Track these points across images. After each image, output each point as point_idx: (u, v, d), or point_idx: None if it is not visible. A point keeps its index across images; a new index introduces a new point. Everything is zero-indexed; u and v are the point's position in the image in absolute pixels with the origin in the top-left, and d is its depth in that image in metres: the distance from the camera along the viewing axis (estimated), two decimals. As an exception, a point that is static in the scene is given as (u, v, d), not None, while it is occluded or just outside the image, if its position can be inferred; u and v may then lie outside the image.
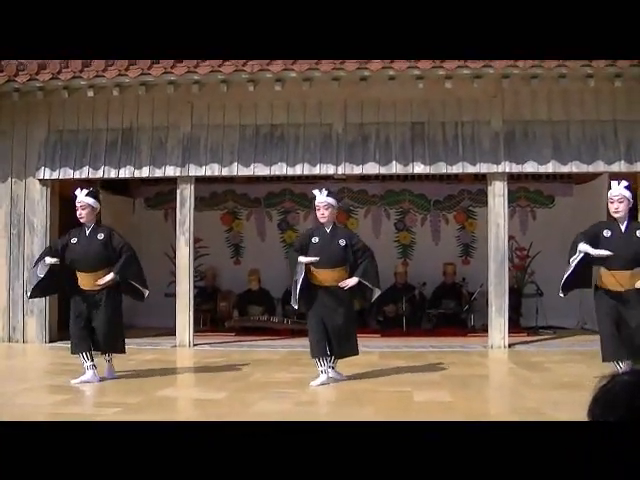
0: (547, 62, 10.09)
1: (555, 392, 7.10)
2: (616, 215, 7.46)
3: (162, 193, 14.39)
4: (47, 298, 10.78)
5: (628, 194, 7.42)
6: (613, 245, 7.32)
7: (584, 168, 10.98)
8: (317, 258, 7.74)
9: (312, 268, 7.85)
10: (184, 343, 11.20)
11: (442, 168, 11.16)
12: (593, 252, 7.27)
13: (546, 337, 11.88)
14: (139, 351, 10.41)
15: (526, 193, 14.19)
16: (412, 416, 6.08)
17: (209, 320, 13.61)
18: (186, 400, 7.43)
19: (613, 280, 7.34)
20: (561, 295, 7.80)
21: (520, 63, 10.17)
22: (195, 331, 11.46)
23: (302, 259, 7.75)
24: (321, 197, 7.89)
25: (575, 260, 7.42)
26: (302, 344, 9.32)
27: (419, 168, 11.19)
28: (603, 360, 7.29)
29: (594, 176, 12.11)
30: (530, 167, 11.01)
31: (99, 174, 11.57)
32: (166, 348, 11.02)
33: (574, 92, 10.93)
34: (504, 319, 10.87)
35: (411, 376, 8.22)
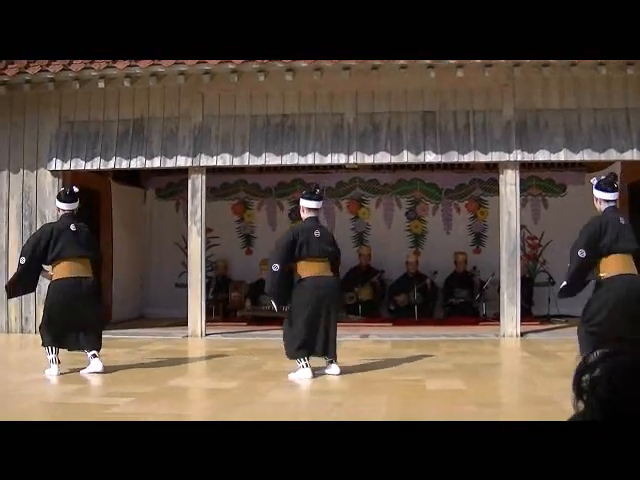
0: (558, 50, 10.04)
1: (567, 381, 6.92)
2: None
3: (173, 183, 14.39)
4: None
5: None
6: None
7: (596, 156, 10.93)
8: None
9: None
10: (196, 333, 11.21)
11: (453, 157, 11.14)
12: None
13: (558, 326, 11.85)
14: (151, 341, 10.45)
15: (538, 182, 14.14)
16: (425, 404, 6.09)
17: (221, 310, 13.63)
18: (199, 389, 7.45)
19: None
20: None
21: (531, 51, 10.12)
22: (207, 321, 11.48)
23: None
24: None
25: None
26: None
27: (430, 157, 11.17)
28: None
29: (606, 164, 12.04)
30: (542, 156, 10.98)
31: (110, 165, 11.60)
32: (178, 338, 11.04)
33: (586, 80, 10.88)
34: (516, 308, 10.85)
35: (423, 365, 8.22)
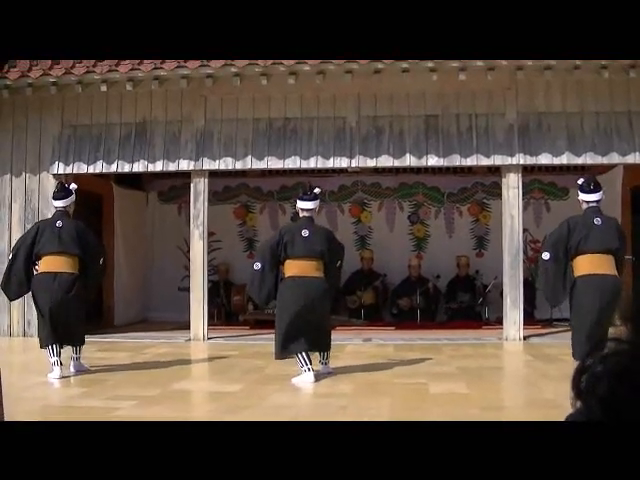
0: (561, 53, 10.05)
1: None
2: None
3: (176, 187, 14.38)
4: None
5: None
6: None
7: (598, 160, 10.93)
8: None
9: None
10: (198, 337, 11.20)
11: (456, 160, 11.14)
12: None
13: (561, 329, 11.82)
14: (153, 345, 10.44)
15: (540, 185, 14.12)
16: (428, 408, 6.08)
17: (223, 314, 13.62)
18: (202, 392, 7.45)
19: None
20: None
21: (534, 54, 10.13)
22: (209, 325, 11.47)
23: None
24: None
25: None
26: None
27: (433, 161, 11.17)
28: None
29: (608, 168, 12.05)
30: (544, 159, 10.97)
31: (113, 168, 11.61)
32: (180, 342, 11.03)
33: (588, 83, 10.87)
34: (519, 311, 10.84)
35: (426, 368, 8.22)
